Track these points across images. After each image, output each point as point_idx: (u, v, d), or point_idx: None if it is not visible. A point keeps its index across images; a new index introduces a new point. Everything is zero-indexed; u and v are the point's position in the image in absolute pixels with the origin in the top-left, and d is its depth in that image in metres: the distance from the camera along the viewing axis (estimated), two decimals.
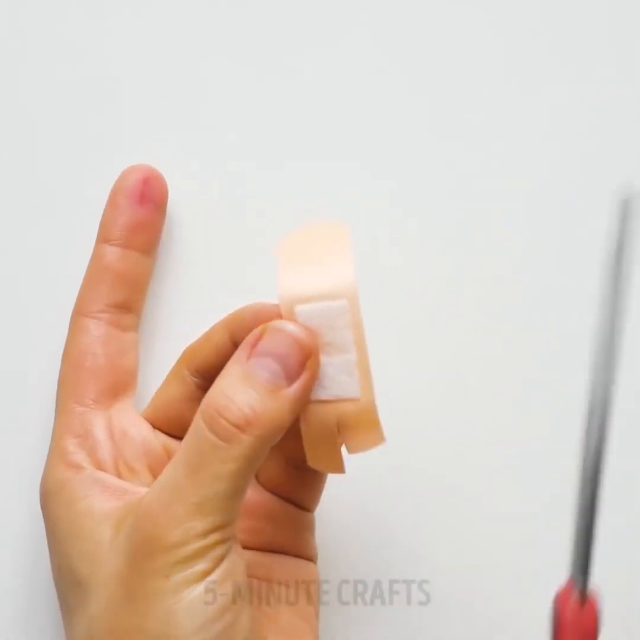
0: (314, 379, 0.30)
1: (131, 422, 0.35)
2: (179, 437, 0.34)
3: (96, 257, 0.36)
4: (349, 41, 0.40)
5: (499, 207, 0.40)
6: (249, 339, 0.30)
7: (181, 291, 0.39)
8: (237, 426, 0.29)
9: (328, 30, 0.40)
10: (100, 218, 0.36)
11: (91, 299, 0.35)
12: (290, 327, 0.30)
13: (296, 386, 0.30)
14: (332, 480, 0.38)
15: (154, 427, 0.35)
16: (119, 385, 0.35)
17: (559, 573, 0.38)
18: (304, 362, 0.30)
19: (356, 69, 0.40)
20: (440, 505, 0.38)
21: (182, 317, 0.39)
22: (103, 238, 0.36)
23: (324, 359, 0.30)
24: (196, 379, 0.34)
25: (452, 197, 0.40)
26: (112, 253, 0.36)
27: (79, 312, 0.35)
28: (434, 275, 0.39)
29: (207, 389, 0.32)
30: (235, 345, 0.32)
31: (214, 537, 0.29)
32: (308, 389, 0.30)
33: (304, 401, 0.30)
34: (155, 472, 0.34)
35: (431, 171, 0.40)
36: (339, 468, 0.31)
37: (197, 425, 0.29)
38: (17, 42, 0.40)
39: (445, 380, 0.38)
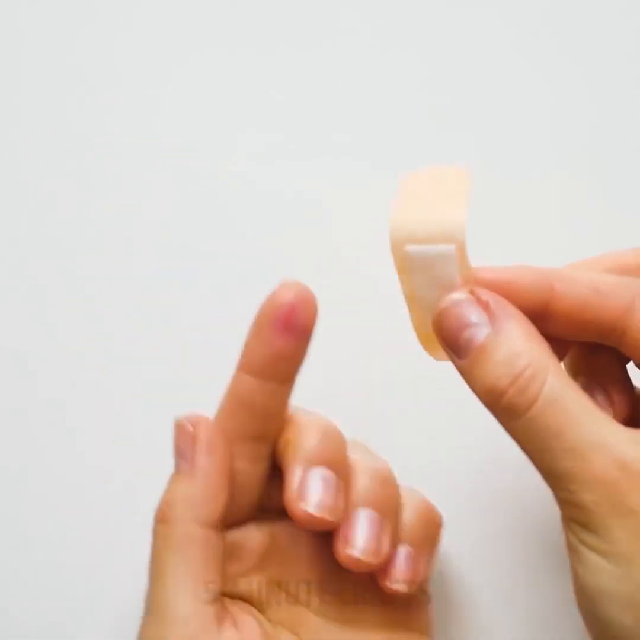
0: None
1: None
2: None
3: (235, 386, 0.34)
4: (350, 33, 0.40)
5: (503, 201, 0.40)
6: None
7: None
8: None
9: (328, 24, 0.40)
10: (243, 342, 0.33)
11: (227, 428, 0.34)
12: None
13: None
14: None
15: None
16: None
17: (558, 572, 0.38)
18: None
19: (358, 63, 0.40)
20: (440, 505, 0.38)
21: None
22: (245, 367, 0.33)
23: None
24: None
25: None
26: (250, 384, 0.33)
27: None
28: None
29: None
30: None
31: None
32: None
33: None
34: None
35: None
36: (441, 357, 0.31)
37: None
38: (17, 42, 0.40)
39: (446, 385, 0.38)
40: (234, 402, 0.33)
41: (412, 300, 0.31)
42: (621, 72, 0.40)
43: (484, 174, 0.40)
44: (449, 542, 0.37)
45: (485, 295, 0.29)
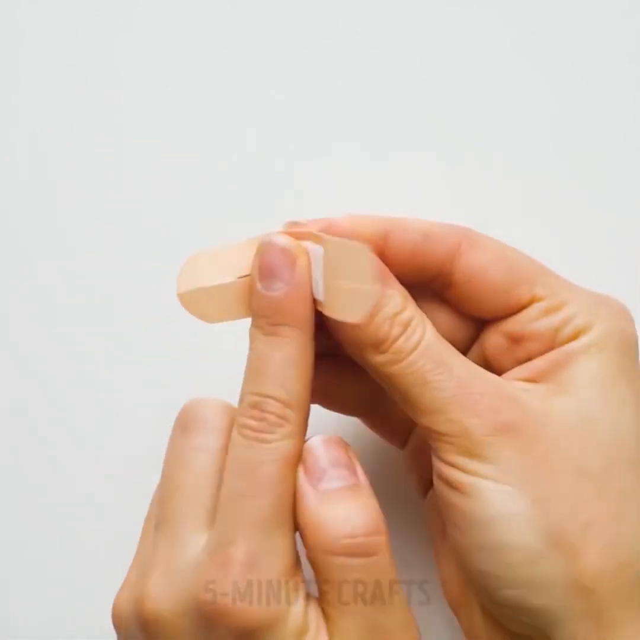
0: None
1: None
2: None
3: None
4: (350, 33, 0.40)
5: (503, 201, 0.40)
6: None
7: None
8: None
9: (328, 24, 0.40)
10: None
11: None
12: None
13: None
14: None
15: None
16: None
17: None
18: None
19: (358, 63, 0.40)
20: None
21: None
22: None
23: None
24: None
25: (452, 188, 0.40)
26: None
27: None
28: None
29: None
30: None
31: None
32: None
33: None
34: None
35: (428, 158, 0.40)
36: None
37: None
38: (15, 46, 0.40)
39: None
40: None
41: None
42: (621, 72, 0.40)
43: (483, 174, 0.40)
44: None
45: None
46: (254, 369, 0.30)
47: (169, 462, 0.31)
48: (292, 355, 0.30)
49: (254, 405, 0.29)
